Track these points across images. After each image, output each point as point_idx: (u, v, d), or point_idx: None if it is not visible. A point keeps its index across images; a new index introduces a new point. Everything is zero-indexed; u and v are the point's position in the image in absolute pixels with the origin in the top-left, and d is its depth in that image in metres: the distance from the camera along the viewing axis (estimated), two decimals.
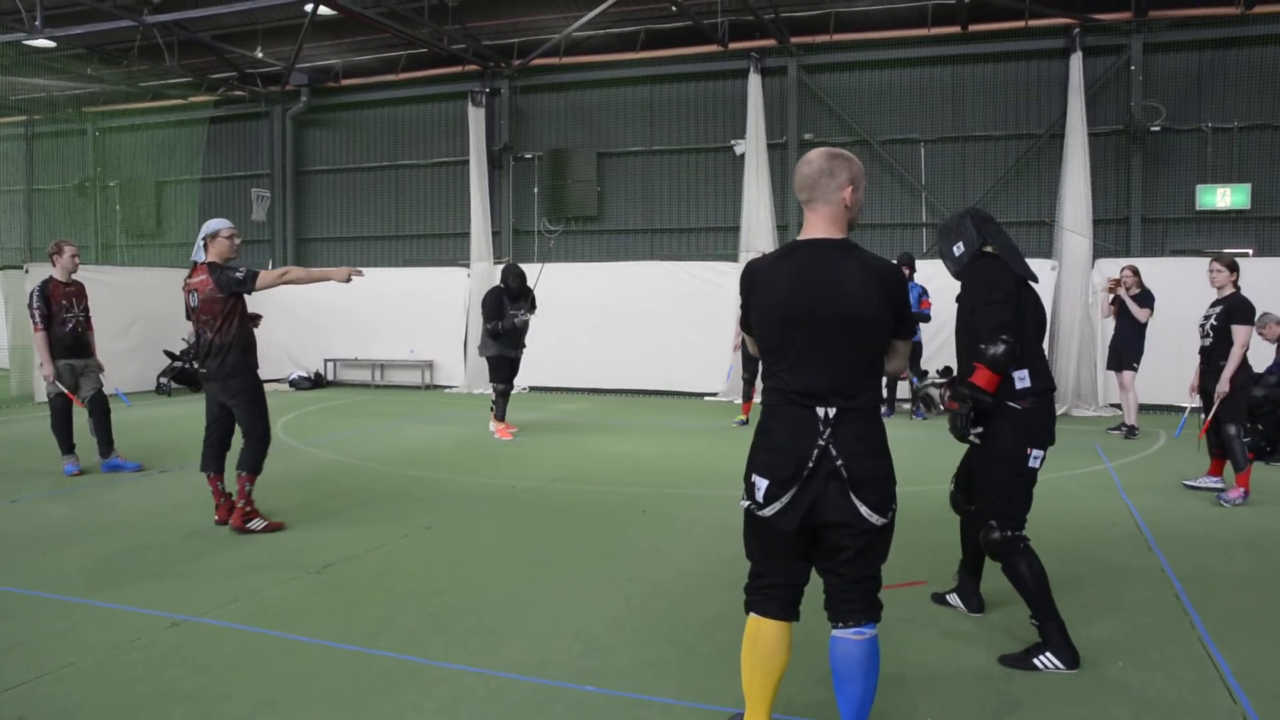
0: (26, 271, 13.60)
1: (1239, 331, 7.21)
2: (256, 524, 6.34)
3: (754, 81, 15.04)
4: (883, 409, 9.97)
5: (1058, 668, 3.98)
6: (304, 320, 16.42)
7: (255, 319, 6.62)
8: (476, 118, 16.46)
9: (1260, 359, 8.55)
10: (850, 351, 2.98)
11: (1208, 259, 7.75)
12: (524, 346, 10.75)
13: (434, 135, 17.79)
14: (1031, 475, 4.15)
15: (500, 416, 10.72)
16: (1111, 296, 10.67)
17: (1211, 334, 7.39)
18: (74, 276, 8.59)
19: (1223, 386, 7.19)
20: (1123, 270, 10.71)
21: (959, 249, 4.41)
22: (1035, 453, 4.12)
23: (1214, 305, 7.48)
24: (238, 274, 6.26)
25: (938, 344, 12.48)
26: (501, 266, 11.44)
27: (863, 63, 15.05)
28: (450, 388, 16.36)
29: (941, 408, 4.12)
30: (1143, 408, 11.04)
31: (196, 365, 6.58)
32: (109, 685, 3.88)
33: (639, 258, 16.09)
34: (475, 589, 5.16)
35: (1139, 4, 13.38)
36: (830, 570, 3.07)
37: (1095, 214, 13.35)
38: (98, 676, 3.96)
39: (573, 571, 5.50)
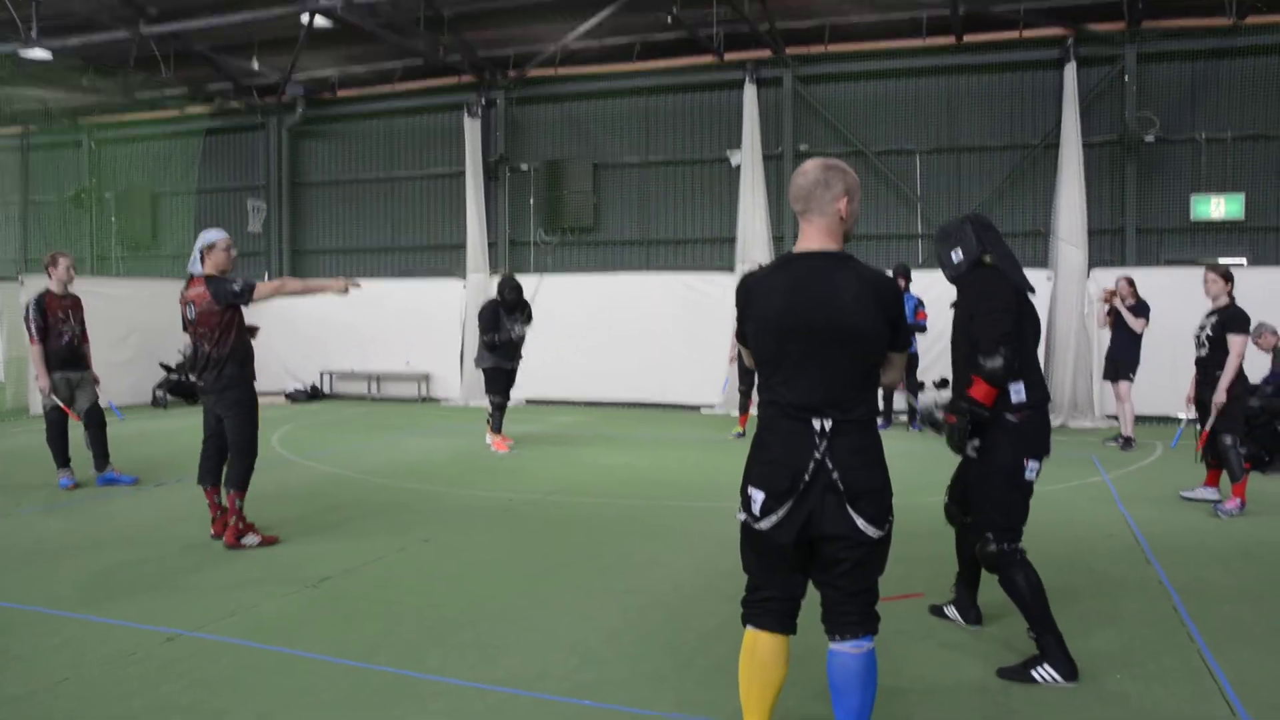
0: (21, 283, 13.58)
1: (1235, 342, 7.21)
2: (250, 539, 6.31)
3: (749, 93, 15.08)
4: (879, 421, 9.97)
5: (1056, 680, 3.98)
6: (300, 333, 16.39)
7: (253, 330, 6.62)
8: (472, 129, 16.47)
9: (1255, 369, 8.57)
10: (846, 364, 2.98)
11: (1202, 269, 7.77)
12: (520, 359, 10.74)
13: (430, 147, 17.80)
14: (1028, 487, 4.15)
15: (497, 429, 10.71)
16: (1107, 307, 10.70)
17: (1207, 344, 7.40)
18: (70, 289, 8.58)
19: (1219, 397, 7.20)
20: (1118, 281, 10.74)
21: (957, 255, 4.38)
22: (1031, 464, 4.13)
23: (1209, 315, 7.49)
24: (234, 286, 6.26)
25: (934, 355, 12.49)
26: (497, 278, 11.44)
27: (858, 74, 15.10)
28: (446, 400, 16.34)
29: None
30: (1139, 419, 11.05)
31: (193, 378, 6.57)
32: (105, 700, 3.87)
33: (635, 269, 16.09)
34: (473, 602, 5.15)
35: (1133, 15, 13.44)
36: (827, 583, 3.07)
37: (1090, 224, 13.38)
38: (93, 691, 3.95)
39: (570, 584, 5.49)
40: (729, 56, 15.22)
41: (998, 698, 3.89)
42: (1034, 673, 4.01)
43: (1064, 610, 4.42)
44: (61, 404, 8.35)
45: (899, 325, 3.05)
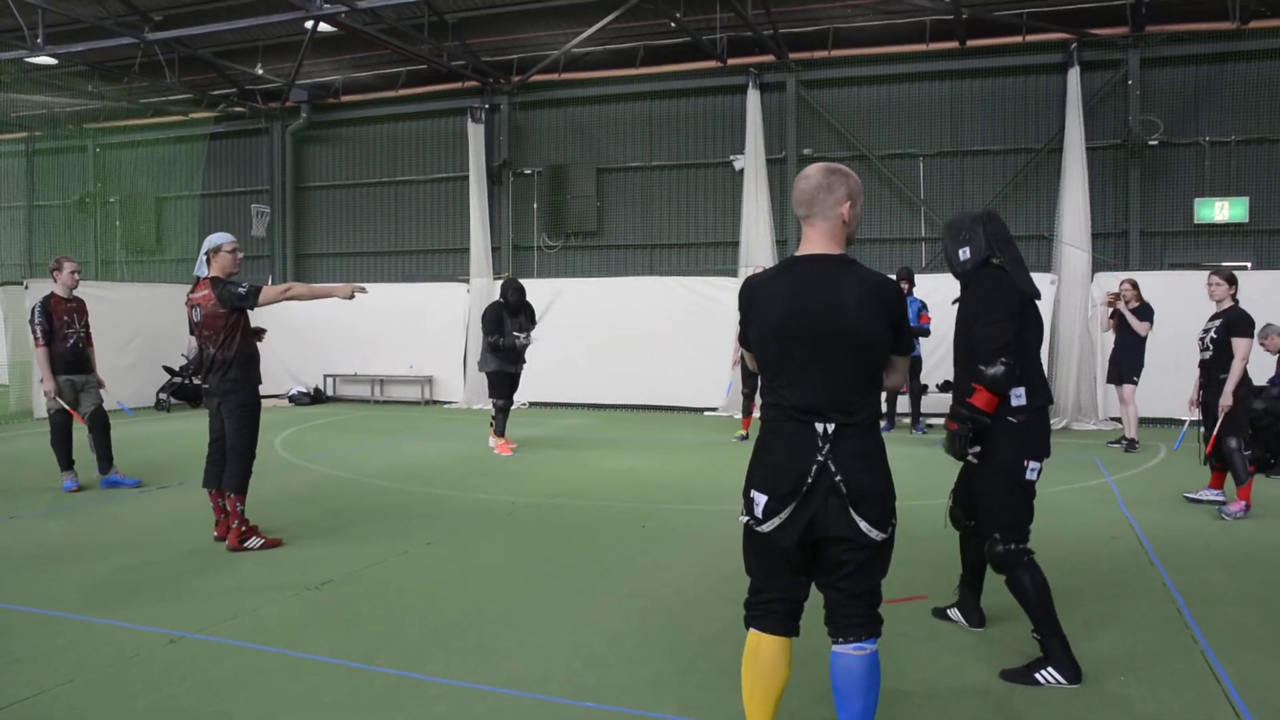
0: (26, 288, 13.62)
1: (1239, 345, 7.20)
2: (253, 542, 6.32)
3: (753, 97, 15.10)
4: (882, 424, 9.97)
5: (1059, 682, 3.97)
6: (304, 336, 16.41)
7: (259, 333, 6.63)
8: (476, 134, 16.50)
9: (1261, 371, 8.56)
10: (849, 367, 2.98)
11: (1206, 272, 7.76)
12: (524, 362, 10.75)
13: (433, 151, 17.83)
14: (1030, 487, 4.15)
15: (500, 432, 10.71)
16: (1111, 310, 10.69)
17: (1211, 347, 7.39)
18: (74, 292, 8.61)
19: (1226, 401, 7.18)
20: (1122, 284, 10.73)
21: (964, 254, 4.33)
22: (1032, 465, 4.12)
23: (1213, 319, 7.48)
24: (240, 289, 6.26)
25: (938, 358, 12.47)
26: (501, 282, 11.44)
27: (861, 78, 15.11)
28: (450, 403, 16.35)
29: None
30: (1143, 421, 11.03)
31: (199, 380, 6.57)
32: (108, 702, 3.87)
33: (638, 273, 16.11)
34: (475, 605, 5.15)
35: (1136, 19, 13.45)
36: (830, 585, 3.06)
37: (1094, 228, 13.40)
38: (96, 693, 3.95)
39: (572, 588, 5.49)
40: (732, 61, 15.24)
41: (1001, 700, 3.88)
42: (1038, 675, 4.01)
43: (1068, 613, 4.41)
44: (66, 406, 8.37)
45: (902, 329, 3.05)
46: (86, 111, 19.33)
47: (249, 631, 4.70)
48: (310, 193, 18.84)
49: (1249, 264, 13.28)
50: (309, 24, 14.07)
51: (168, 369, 15.17)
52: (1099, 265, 13.39)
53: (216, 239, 6.45)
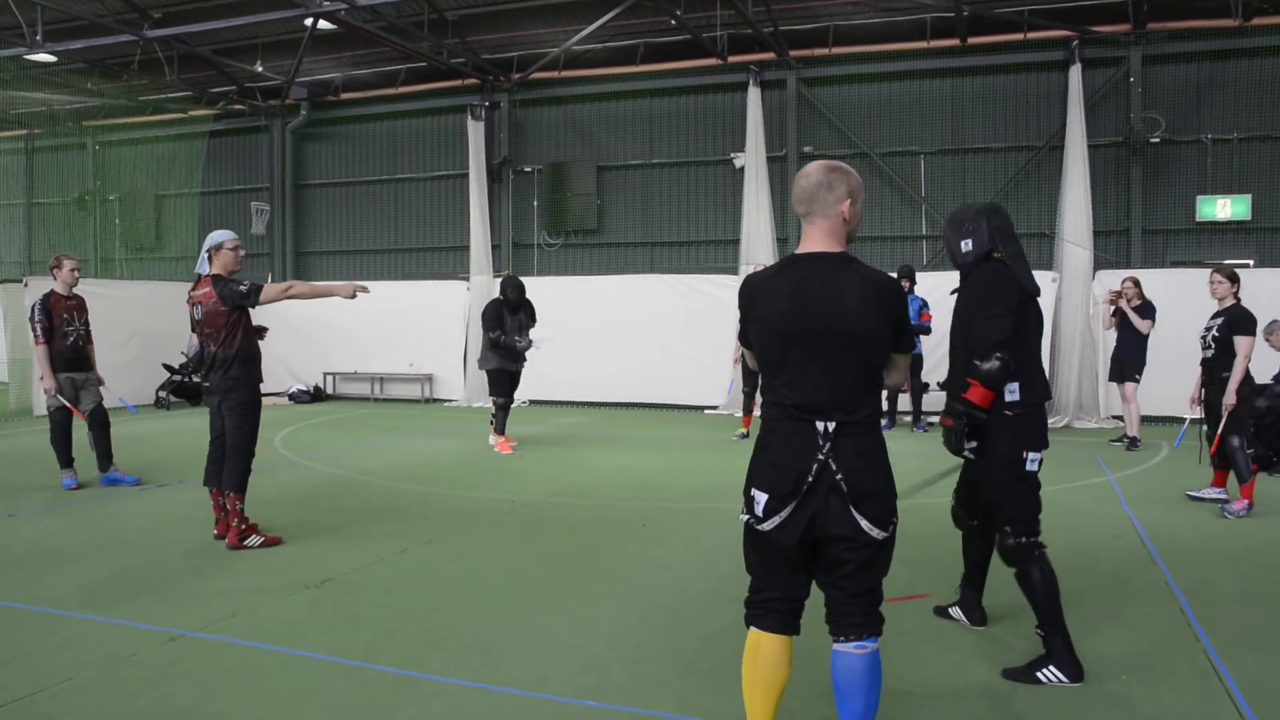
0: (26, 285, 13.61)
1: (1241, 343, 7.18)
2: (253, 540, 6.31)
3: (753, 94, 15.07)
4: (883, 422, 9.96)
5: (1061, 681, 3.96)
6: (303, 334, 16.39)
7: (261, 331, 6.61)
8: (476, 131, 16.47)
9: (1263, 368, 8.55)
10: (849, 365, 2.96)
11: (1208, 270, 7.73)
12: (524, 360, 10.73)
13: (433, 149, 17.81)
14: (1032, 478, 4.13)
15: (500, 430, 10.70)
16: (1113, 308, 10.67)
17: (1213, 345, 7.36)
18: (74, 290, 8.60)
19: (1229, 399, 7.16)
20: (1124, 282, 10.71)
21: (966, 246, 4.30)
22: (1031, 456, 4.11)
23: (1215, 317, 7.46)
24: (241, 287, 6.25)
25: (938, 356, 12.43)
26: (500, 279, 11.42)
27: (862, 75, 15.07)
28: (450, 401, 16.34)
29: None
30: (1145, 419, 11.01)
31: (199, 378, 6.56)
32: (106, 700, 3.86)
33: (639, 271, 16.08)
34: (474, 604, 5.13)
35: (1138, 16, 13.42)
36: (831, 584, 3.05)
37: (1095, 226, 13.37)
38: (94, 692, 3.94)
39: (572, 588, 5.47)
40: (733, 59, 15.21)
41: (1003, 699, 3.87)
42: (1040, 674, 3.99)
43: (1070, 611, 4.38)
44: (67, 403, 8.36)
45: (902, 327, 3.04)
46: (86, 109, 19.32)
47: (248, 630, 4.68)
48: (310, 190, 18.82)
49: (1251, 262, 13.25)
50: (309, 21, 14.06)
51: (167, 366, 15.17)
52: (1101, 263, 13.38)
53: (218, 236, 6.44)
